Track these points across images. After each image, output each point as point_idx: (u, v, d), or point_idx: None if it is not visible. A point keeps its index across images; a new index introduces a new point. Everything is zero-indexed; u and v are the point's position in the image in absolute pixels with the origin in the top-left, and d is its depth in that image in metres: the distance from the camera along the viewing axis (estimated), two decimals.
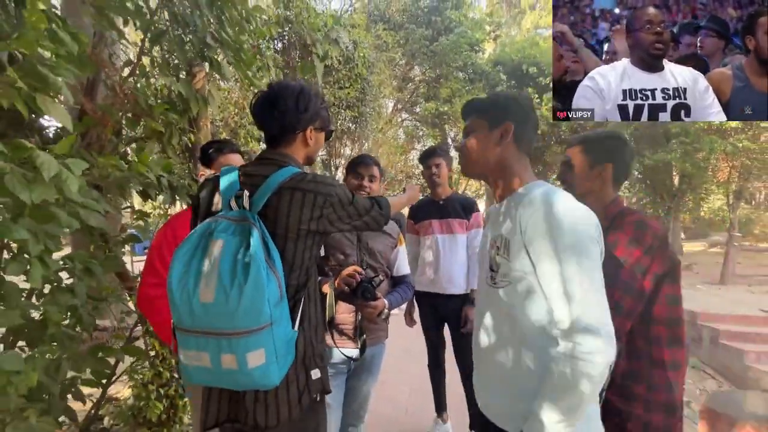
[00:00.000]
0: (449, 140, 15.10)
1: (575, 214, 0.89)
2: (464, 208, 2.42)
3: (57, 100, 1.26)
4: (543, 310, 0.89)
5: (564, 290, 0.85)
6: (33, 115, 1.77)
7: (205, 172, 1.59)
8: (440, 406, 2.61)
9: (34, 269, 1.16)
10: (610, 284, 1.13)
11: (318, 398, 1.10)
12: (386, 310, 1.55)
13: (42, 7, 1.18)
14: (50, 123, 1.91)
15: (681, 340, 1.19)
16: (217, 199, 1.07)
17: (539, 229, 0.89)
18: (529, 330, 0.90)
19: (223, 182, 1.03)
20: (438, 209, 2.43)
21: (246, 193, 0.99)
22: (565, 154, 1.42)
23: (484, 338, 1.02)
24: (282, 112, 1.07)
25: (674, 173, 11.19)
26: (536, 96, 11.81)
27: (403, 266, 1.78)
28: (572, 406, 0.81)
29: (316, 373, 1.08)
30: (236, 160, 1.61)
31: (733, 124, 9.40)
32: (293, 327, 1.00)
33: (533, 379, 0.88)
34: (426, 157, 2.47)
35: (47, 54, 1.30)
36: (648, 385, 1.16)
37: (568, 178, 1.36)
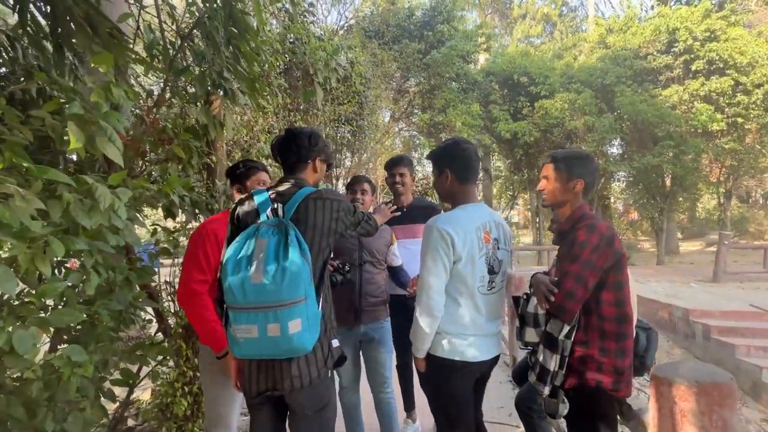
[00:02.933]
0: None
1: (429, 233, 1.48)
2: (427, 213, 2.44)
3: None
4: None
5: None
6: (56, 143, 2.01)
7: (235, 191, 1.80)
8: (409, 405, 2.64)
9: (93, 278, 1.38)
10: (565, 275, 1.39)
11: (330, 374, 1.38)
12: (409, 290, 2.07)
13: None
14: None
15: (627, 316, 1.42)
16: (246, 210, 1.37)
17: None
18: None
19: (258, 200, 1.35)
20: (402, 216, 2.47)
21: (280, 205, 1.32)
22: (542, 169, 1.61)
23: None
24: (298, 147, 1.42)
25: (666, 175, 11.42)
26: (528, 104, 12.14)
27: (395, 259, 2.28)
28: (415, 336, 1.52)
29: (335, 342, 1.38)
30: (266, 177, 1.84)
31: (719, 126, 9.66)
32: (318, 307, 1.28)
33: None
34: (391, 165, 2.52)
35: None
36: (600, 351, 1.40)
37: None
